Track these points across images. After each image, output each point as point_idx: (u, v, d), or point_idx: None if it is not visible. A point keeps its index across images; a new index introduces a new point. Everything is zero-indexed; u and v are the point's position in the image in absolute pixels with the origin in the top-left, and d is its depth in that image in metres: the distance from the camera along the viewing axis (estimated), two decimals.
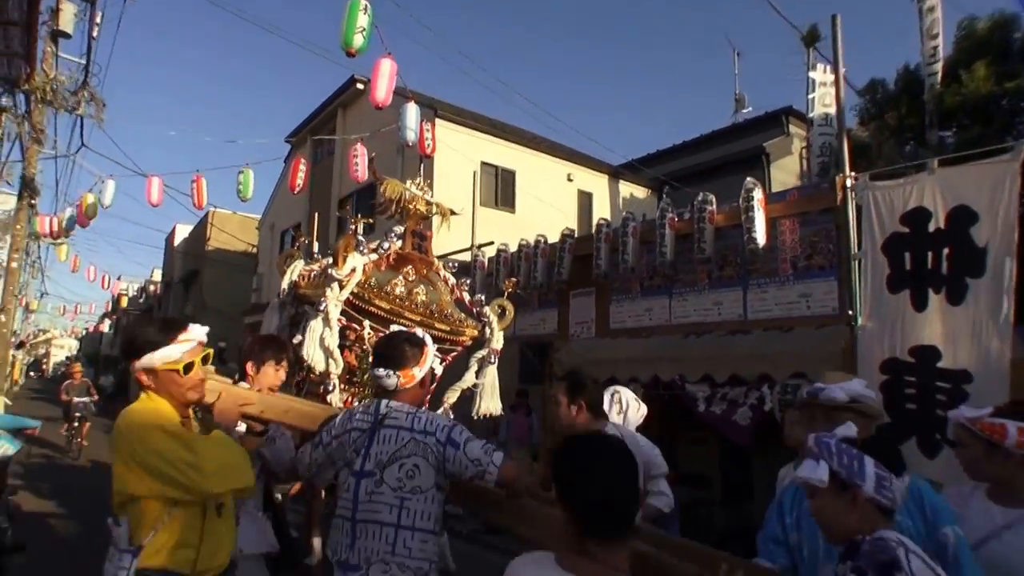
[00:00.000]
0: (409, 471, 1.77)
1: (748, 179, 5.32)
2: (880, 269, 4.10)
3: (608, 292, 6.52)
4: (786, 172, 12.33)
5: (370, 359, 2.48)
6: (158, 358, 1.65)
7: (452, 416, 2.73)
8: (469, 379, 2.83)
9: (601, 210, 13.05)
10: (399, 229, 2.83)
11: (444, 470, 1.78)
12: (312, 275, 2.73)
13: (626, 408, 2.51)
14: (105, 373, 24.47)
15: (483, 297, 3.03)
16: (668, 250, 5.66)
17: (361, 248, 2.59)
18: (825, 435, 1.36)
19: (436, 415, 1.85)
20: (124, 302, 28.85)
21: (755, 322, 5.09)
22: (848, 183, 4.54)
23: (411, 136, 7.09)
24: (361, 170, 8.62)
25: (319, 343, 2.36)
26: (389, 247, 2.75)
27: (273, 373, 2.27)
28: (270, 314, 2.82)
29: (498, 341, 2.94)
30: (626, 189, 14.03)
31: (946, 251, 3.84)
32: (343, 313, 2.47)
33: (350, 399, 2.51)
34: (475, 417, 2.86)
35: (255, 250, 18.93)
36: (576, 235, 7.29)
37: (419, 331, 2.09)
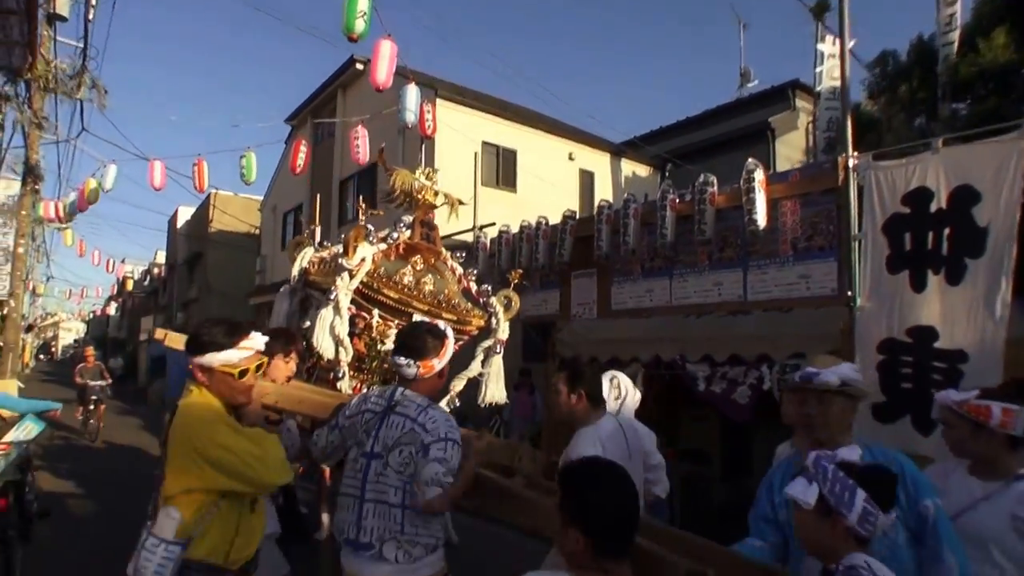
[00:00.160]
0: (406, 458, 1.85)
1: (750, 160, 5.29)
2: (880, 250, 4.12)
3: (609, 273, 6.56)
4: (792, 147, 12.21)
5: (378, 347, 2.56)
6: (219, 359, 1.73)
7: (458, 403, 2.81)
8: (475, 367, 2.89)
9: (603, 189, 13.00)
10: (408, 219, 2.85)
11: (417, 466, 1.84)
12: (322, 262, 2.78)
13: (624, 395, 2.56)
14: (113, 356, 24.75)
15: (490, 288, 3.06)
16: (669, 231, 5.68)
17: (371, 238, 2.63)
18: (826, 456, 1.37)
19: (444, 419, 1.89)
20: (130, 285, 29.05)
21: (755, 303, 5.13)
22: (851, 163, 4.53)
23: (411, 118, 7.07)
24: (362, 152, 8.58)
25: (329, 331, 2.41)
26: (398, 237, 2.78)
27: (283, 366, 2.35)
28: (280, 300, 2.87)
29: (504, 331, 2.99)
30: (628, 167, 13.94)
31: (947, 232, 3.85)
32: (352, 302, 2.51)
33: (359, 385, 2.58)
34: (480, 404, 2.94)
35: (258, 232, 18.95)
36: (578, 215, 7.29)
37: (441, 323, 2.16)
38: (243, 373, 1.76)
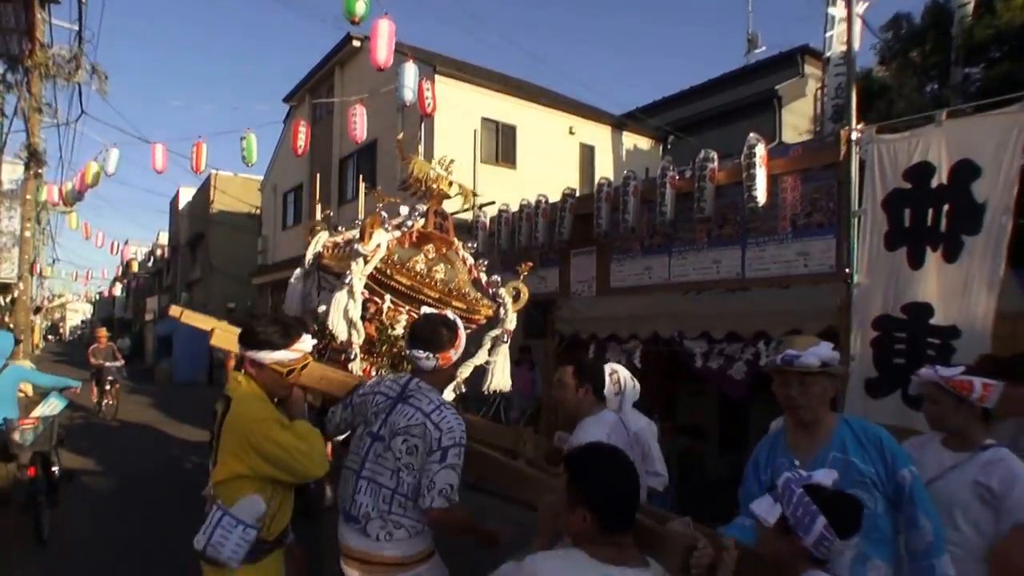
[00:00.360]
0: (410, 448, 1.92)
1: (751, 135, 5.27)
2: (879, 226, 4.11)
3: (609, 251, 6.60)
4: (799, 116, 11.99)
5: (389, 332, 2.64)
6: (272, 358, 1.86)
7: (464, 389, 2.90)
8: (482, 356, 2.95)
9: (603, 164, 12.89)
10: (422, 207, 2.89)
11: (424, 463, 1.91)
12: (335, 247, 2.84)
13: (624, 388, 2.61)
14: (121, 336, 25.06)
15: (499, 279, 3.11)
16: (668, 209, 5.69)
17: (386, 225, 2.68)
18: (795, 479, 1.44)
19: (458, 422, 1.95)
20: (135, 266, 29.22)
21: (753, 280, 5.18)
22: (853, 136, 4.47)
23: (410, 96, 7.03)
24: (360, 130, 8.55)
25: (343, 314, 2.47)
26: (412, 225, 2.82)
27: None
28: (294, 284, 2.95)
29: (511, 322, 3.04)
30: (629, 140, 13.78)
31: (946, 208, 3.83)
32: (365, 286, 2.57)
33: (369, 368, 2.65)
34: (486, 392, 3.01)
35: (258, 212, 18.94)
36: (578, 191, 7.30)
37: (450, 314, 2.21)
38: (290, 372, 1.91)
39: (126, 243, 27.89)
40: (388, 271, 2.61)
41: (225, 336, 2.37)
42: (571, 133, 12.57)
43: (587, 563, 1.35)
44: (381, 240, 2.56)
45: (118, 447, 7.94)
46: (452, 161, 2.99)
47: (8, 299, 12.73)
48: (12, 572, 3.87)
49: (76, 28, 6.95)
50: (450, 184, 2.95)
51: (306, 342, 1.93)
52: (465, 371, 2.85)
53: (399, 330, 2.70)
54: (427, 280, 2.72)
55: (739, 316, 4.74)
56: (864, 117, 4.65)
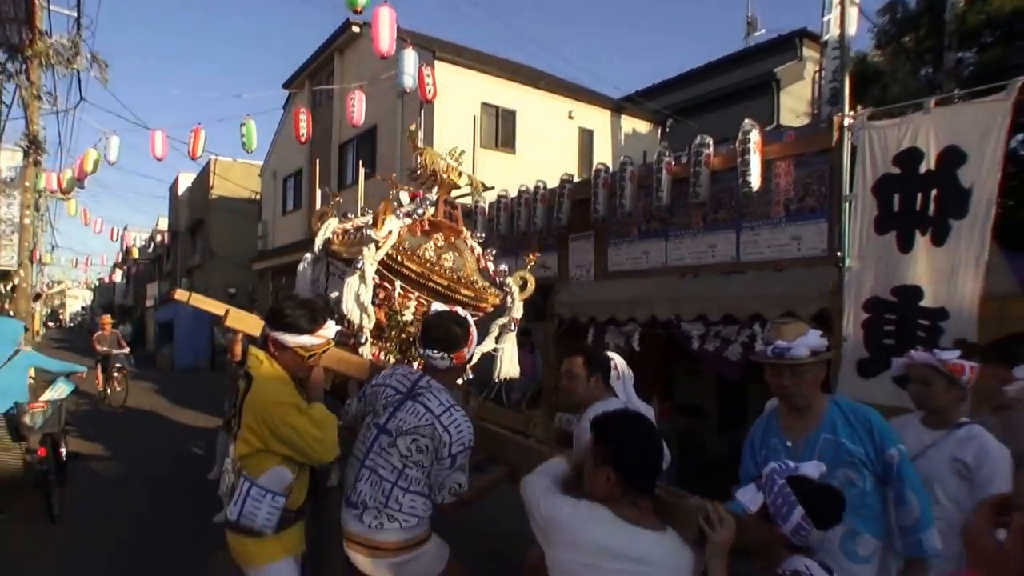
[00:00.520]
0: (420, 448, 1.99)
1: (746, 121, 5.32)
2: (870, 211, 4.20)
3: (606, 236, 6.68)
4: (797, 99, 12.00)
5: (398, 317, 2.73)
6: (297, 341, 1.93)
7: (471, 375, 2.96)
8: (489, 344, 3.00)
9: (602, 148, 12.91)
10: (432, 196, 2.94)
11: (434, 464, 2.02)
12: (345, 233, 2.89)
13: (623, 374, 2.69)
14: (122, 323, 25.14)
15: (507, 268, 3.16)
16: (664, 194, 5.76)
17: (398, 212, 2.73)
18: (780, 470, 1.52)
19: (468, 426, 2.02)
20: (135, 253, 29.18)
21: (747, 264, 5.27)
22: (846, 122, 4.55)
23: (410, 82, 7.04)
24: (358, 114, 8.55)
25: (355, 298, 2.54)
26: (423, 213, 2.87)
27: None
28: (304, 270, 3.00)
29: (518, 310, 3.09)
30: (628, 124, 13.77)
31: (934, 192, 3.93)
32: (376, 272, 2.62)
33: (378, 352, 2.73)
34: (496, 380, 3.08)
35: (258, 197, 18.92)
36: (577, 175, 7.33)
37: (460, 310, 2.27)
38: (312, 355, 1.98)
39: (125, 229, 27.82)
40: (399, 257, 2.66)
41: (240, 317, 2.43)
42: (570, 117, 12.56)
43: (611, 519, 1.45)
44: (393, 227, 2.61)
45: (124, 433, 8.08)
46: (463, 152, 3.05)
47: (8, 286, 12.78)
48: (25, 547, 4.04)
49: (75, 15, 6.96)
50: (460, 174, 3.00)
51: (330, 328, 2.00)
52: (473, 359, 2.93)
53: (408, 316, 2.77)
54: (436, 268, 2.76)
55: (734, 299, 4.84)
56: (859, 101, 4.70)
